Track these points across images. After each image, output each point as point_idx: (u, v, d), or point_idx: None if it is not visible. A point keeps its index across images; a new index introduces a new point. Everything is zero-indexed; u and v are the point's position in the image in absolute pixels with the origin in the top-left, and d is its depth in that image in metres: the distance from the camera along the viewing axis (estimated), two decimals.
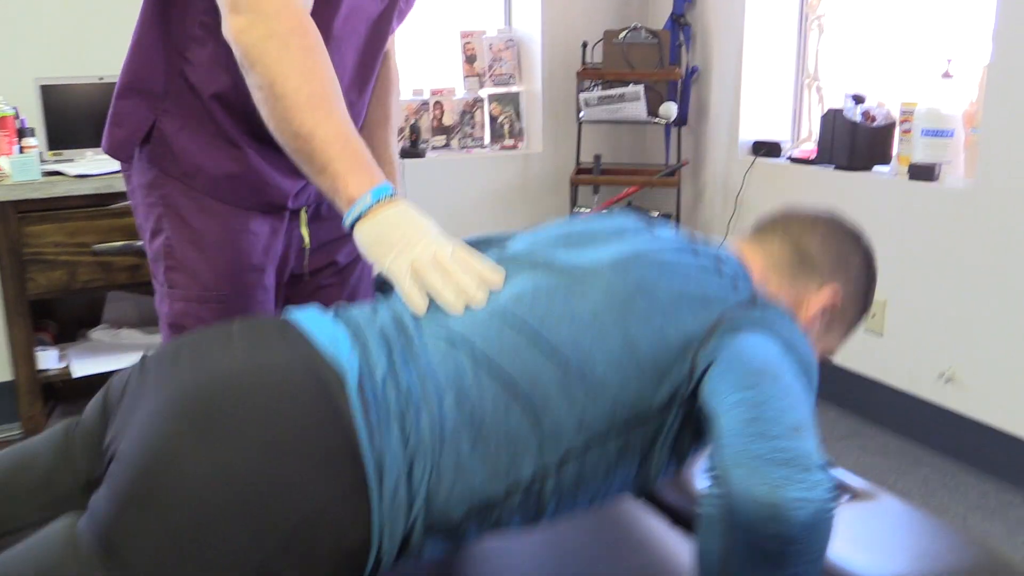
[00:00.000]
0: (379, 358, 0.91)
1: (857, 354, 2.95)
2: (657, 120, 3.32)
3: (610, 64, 3.31)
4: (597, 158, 3.50)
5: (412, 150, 3.47)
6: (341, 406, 0.85)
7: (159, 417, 0.85)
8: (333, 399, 0.85)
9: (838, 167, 2.96)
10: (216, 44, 1.16)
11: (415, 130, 3.49)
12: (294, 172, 1.14)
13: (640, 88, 3.25)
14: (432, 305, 0.98)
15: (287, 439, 0.83)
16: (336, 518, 0.82)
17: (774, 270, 1.09)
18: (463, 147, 3.69)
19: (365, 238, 1.02)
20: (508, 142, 3.73)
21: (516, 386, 0.90)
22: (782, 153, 3.27)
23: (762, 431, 0.82)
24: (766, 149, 3.28)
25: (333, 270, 1.41)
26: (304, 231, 1.34)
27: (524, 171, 3.70)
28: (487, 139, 3.74)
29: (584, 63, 3.42)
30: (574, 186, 3.47)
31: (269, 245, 1.29)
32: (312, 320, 0.96)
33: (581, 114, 3.37)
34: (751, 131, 3.37)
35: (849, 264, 1.12)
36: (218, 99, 1.21)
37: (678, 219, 3.49)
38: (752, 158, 3.30)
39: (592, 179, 3.43)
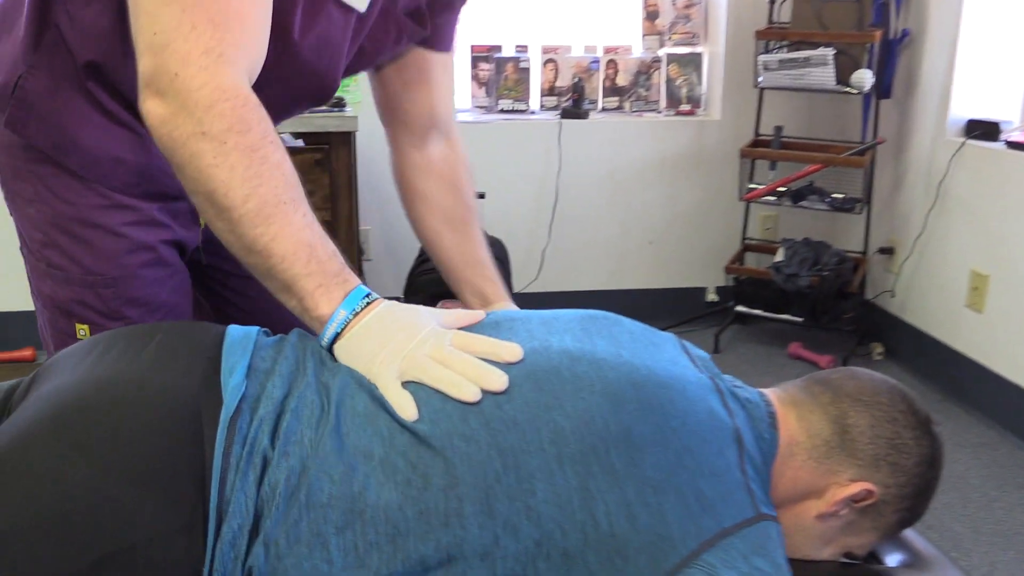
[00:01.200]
0: (272, 395, 0.84)
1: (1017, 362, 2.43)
2: (848, 89, 2.89)
3: (798, 23, 2.92)
4: (778, 129, 3.12)
5: (574, 110, 3.28)
6: (204, 437, 0.79)
7: (35, 407, 0.83)
8: (198, 428, 0.80)
9: None
10: (104, 9, 0.98)
11: (579, 90, 3.28)
12: None
13: (829, 52, 2.83)
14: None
15: (132, 461, 0.78)
16: (161, 553, 0.75)
17: (804, 444, 0.93)
18: (635, 110, 3.44)
19: (347, 357, 0.88)
20: (684, 107, 3.43)
21: (430, 483, 0.79)
22: (1000, 136, 2.74)
23: None
24: (981, 130, 2.76)
25: None
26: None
27: (698, 139, 3.38)
28: (662, 103, 3.45)
29: (770, 22, 3.05)
30: (747, 159, 3.12)
31: (157, 221, 1.12)
32: (238, 339, 0.91)
33: (760, 79, 3.01)
34: (967, 108, 2.85)
35: (900, 461, 0.93)
36: (94, 72, 1.02)
37: (868, 205, 3.05)
38: (962, 140, 2.79)
39: (765, 152, 3.07)
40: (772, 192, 3.10)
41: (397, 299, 0.95)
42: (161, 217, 1.12)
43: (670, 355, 0.92)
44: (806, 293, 3.01)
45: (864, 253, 3.16)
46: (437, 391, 0.83)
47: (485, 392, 0.82)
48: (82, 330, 1.09)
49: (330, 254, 0.89)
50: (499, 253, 2.92)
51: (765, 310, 3.19)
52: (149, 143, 1.02)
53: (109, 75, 1.02)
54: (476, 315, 0.95)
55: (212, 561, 0.76)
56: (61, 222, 1.07)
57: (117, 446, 0.77)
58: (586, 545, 0.77)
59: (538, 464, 0.78)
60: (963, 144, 2.78)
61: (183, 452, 0.78)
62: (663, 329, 0.99)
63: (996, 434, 2.64)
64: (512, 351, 0.86)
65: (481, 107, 3.39)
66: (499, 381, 0.83)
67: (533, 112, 3.40)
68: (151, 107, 0.86)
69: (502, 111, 3.36)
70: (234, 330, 0.93)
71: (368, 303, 0.88)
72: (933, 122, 2.94)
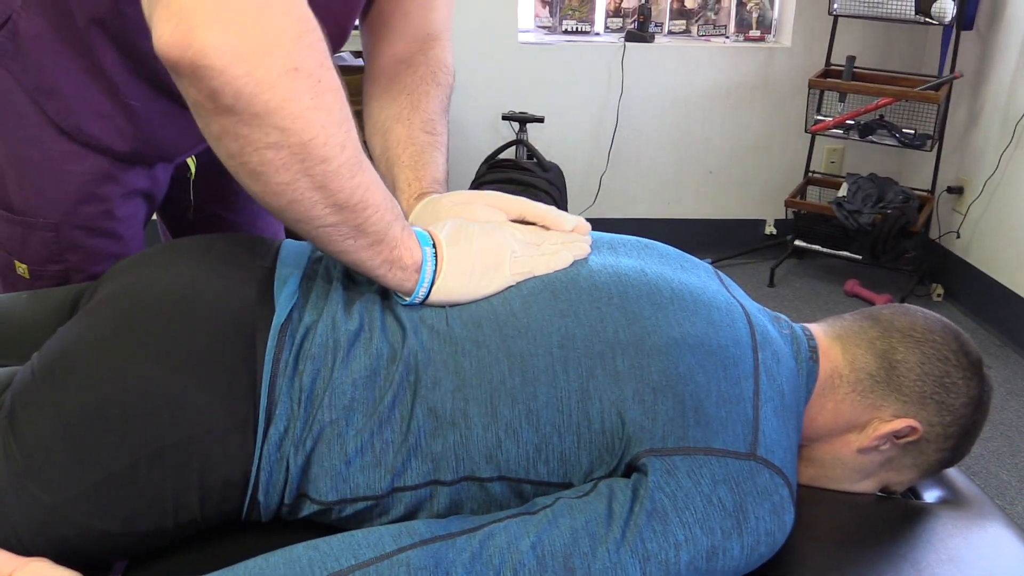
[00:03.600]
0: (318, 306, 0.86)
1: None
2: (927, 20, 2.77)
3: None
4: (850, 59, 3.02)
5: (639, 33, 3.20)
6: (257, 341, 0.82)
7: (99, 310, 0.86)
8: (252, 333, 0.82)
9: None
10: None
11: (645, 12, 3.20)
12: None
13: None
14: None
15: (191, 361, 0.80)
16: (217, 448, 0.79)
17: (847, 377, 0.92)
18: (702, 34, 3.34)
19: (451, 292, 0.86)
20: (754, 33, 3.32)
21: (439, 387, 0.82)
22: None
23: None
24: None
25: (230, 198, 1.23)
26: (190, 161, 1.15)
27: (766, 67, 3.28)
28: (731, 27, 3.35)
29: None
30: (815, 89, 3.03)
31: (119, 175, 1.06)
32: (293, 251, 0.93)
33: (835, 5, 2.89)
34: None
35: (947, 400, 0.91)
36: (99, 26, 0.95)
37: (939, 142, 2.95)
38: None
39: (835, 84, 2.96)
40: (840, 125, 3.01)
41: None
42: (123, 172, 1.06)
43: (701, 279, 0.92)
44: (867, 230, 2.95)
45: (931, 192, 3.07)
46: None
47: (504, 299, 0.86)
48: (20, 268, 1.07)
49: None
50: (556, 178, 2.91)
51: (824, 246, 3.13)
52: (139, 118, 1.00)
53: (119, 33, 0.95)
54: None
55: (260, 460, 0.79)
56: (13, 156, 1.02)
57: (178, 345, 0.80)
58: (579, 446, 0.80)
59: (543, 367, 0.80)
60: None
61: (239, 355, 0.81)
62: (718, 260, 1.00)
63: None
64: (576, 222, 0.92)
65: (544, 27, 3.33)
66: (584, 246, 0.91)
67: (597, 34, 3.33)
68: (214, 42, 0.65)
69: (565, 32, 3.30)
70: (289, 243, 0.96)
71: (428, 234, 0.88)
72: (1016, 56, 2.80)
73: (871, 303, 3.05)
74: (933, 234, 3.17)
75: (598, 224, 3.30)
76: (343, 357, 0.81)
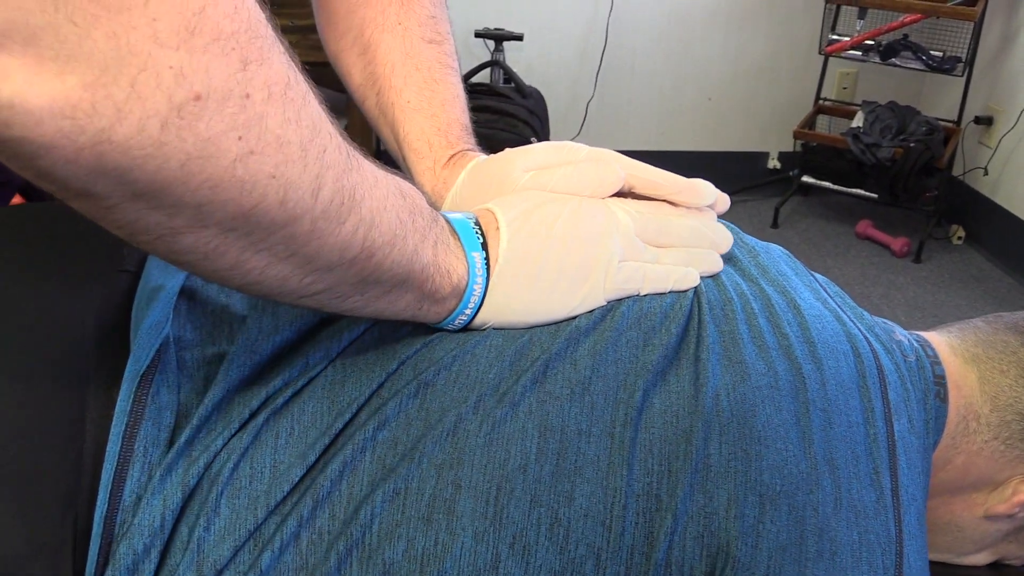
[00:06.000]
0: (220, 334, 0.55)
1: None
2: None
3: None
4: None
5: None
6: (89, 403, 0.51)
7: None
8: (80, 390, 0.51)
9: None
10: None
11: None
12: None
13: None
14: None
15: None
16: None
17: (988, 419, 0.64)
18: None
19: (509, 310, 0.54)
20: None
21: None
22: None
23: None
24: None
25: None
26: None
27: None
28: None
29: None
30: (832, 4, 2.67)
31: None
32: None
33: None
34: None
35: None
36: None
37: (970, 67, 2.61)
38: None
39: None
40: (858, 46, 2.66)
41: None
42: None
43: (796, 288, 0.62)
44: (886, 166, 2.62)
45: (958, 123, 2.74)
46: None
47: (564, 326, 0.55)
48: None
49: (405, 181, 0.51)
50: (537, 106, 2.56)
51: (835, 183, 2.81)
52: None
53: None
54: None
55: None
56: None
57: None
58: None
59: (594, 454, 0.50)
60: None
61: (55, 431, 0.50)
62: None
63: None
64: (715, 194, 0.65)
65: None
66: (716, 261, 0.61)
67: None
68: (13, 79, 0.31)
69: None
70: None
71: (476, 221, 0.55)
72: None
73: (886, 246, 2.76)
74: (956, 170, 2.86)
75: None
76: (265, 421, 0.51)
